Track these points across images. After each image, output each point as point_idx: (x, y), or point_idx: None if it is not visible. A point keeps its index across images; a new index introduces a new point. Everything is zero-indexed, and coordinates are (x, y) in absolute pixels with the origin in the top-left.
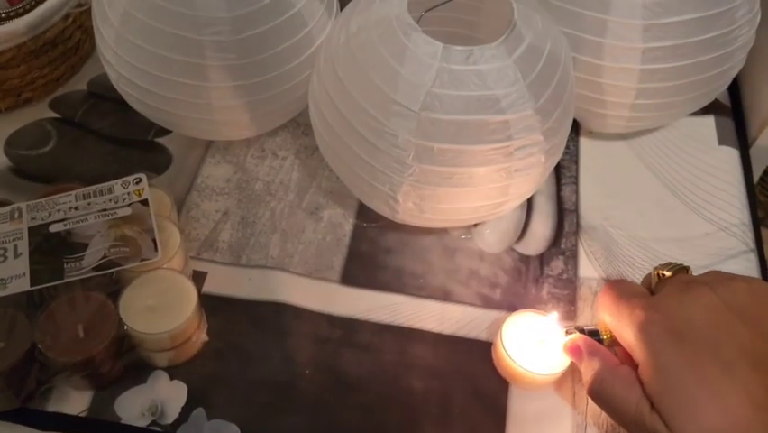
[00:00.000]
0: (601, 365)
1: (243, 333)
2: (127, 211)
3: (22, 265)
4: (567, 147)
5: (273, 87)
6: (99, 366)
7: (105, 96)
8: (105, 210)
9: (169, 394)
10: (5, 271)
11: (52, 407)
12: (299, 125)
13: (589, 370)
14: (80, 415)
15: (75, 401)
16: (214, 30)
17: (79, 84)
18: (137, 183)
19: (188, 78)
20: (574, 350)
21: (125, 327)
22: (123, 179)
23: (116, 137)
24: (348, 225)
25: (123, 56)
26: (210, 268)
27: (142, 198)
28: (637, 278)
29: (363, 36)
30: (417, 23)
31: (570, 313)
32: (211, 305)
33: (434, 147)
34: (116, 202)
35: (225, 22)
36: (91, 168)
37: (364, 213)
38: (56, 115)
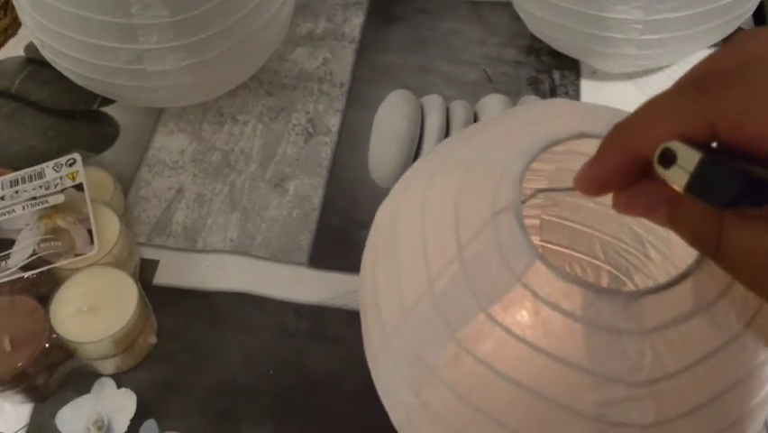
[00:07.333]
0: None
1: (198, 330)
2: (60, 198)
3: None
4: (566, 90)
5: (217, 45)
6: (33, 380)
7: (44, 63)
8: (34, 199)
9: (116, 405)
10: None
11: None
12: (261, 84)
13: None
14: None
15: (11, 418)
16: None
17: (16, 49)
18: (71, 165)
19: (115, 41)
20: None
21: (55, 336)
22: (56, 160)
23: (58, 108)
24: (317, 197)
25: (41, 20)
26: (162, 255)
27: (77, 182)
28: None
29: None
30: None
31: None
32: (162, 299)
33: None
34: (47, 188)
35: None
36: (30, 147)
37: (335, 180)
38: None
